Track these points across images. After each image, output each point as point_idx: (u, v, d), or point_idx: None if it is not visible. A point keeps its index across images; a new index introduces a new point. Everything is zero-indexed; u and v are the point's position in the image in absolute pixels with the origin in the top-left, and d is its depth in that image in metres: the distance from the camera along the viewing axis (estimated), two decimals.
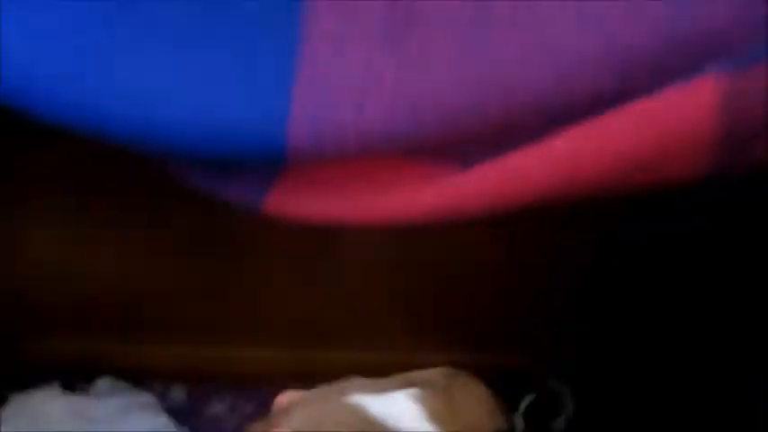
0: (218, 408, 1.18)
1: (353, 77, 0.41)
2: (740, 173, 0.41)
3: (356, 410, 0.47)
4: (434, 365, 0.55)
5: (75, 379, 1.05)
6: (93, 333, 1.01)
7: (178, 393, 1.22)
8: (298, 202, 0.48)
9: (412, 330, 0.88)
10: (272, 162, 0.44)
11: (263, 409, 1.10)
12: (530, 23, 0.40)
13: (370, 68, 0.41)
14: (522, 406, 0.83)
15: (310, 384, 0.57)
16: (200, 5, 0.42)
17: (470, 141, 0.42)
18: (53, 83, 0.41)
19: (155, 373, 1.04)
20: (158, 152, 0.44)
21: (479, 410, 0.50)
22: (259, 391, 1.20)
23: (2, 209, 0.82)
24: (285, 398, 0.52)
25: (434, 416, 0.48)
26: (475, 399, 0.51)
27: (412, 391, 0.49)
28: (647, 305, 0.78)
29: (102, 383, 1.17)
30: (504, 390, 0.60)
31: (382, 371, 0.56)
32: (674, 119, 0.38)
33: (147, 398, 1.13)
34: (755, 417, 0.65)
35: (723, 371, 0.72)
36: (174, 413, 1.08)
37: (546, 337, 0.83)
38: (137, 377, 1.04)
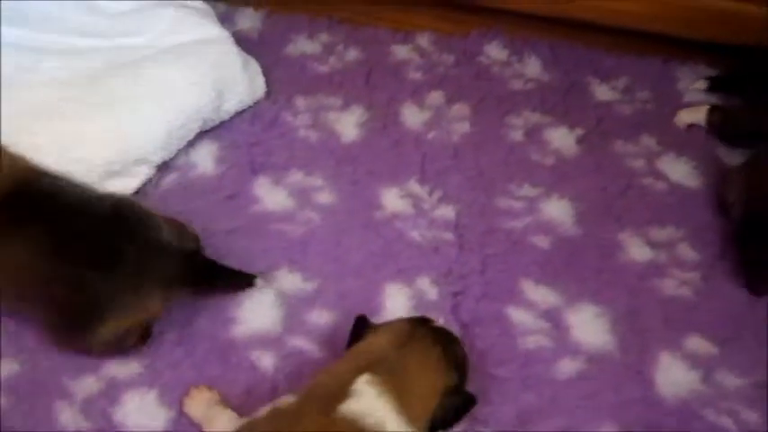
0: (305, 45, 0.88)
1: None
2: None
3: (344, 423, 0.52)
4: None
5: None
6: None
7: (249, 19, 0.90)
8: None
9: None
10: None
11: (368, 55, 0.89)
12: None
13: None
14: None
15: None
16: None
17: None
18: None
19: None
20: None
21: (431, 375, 0.54)
22: (361, 30, 0.89)
23: None
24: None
25: (392, 399, 0.52)
26: (426, 364, 0.54)
27: (367, 378, 0.53)
28: None
29: None
30: None
31: None
32: None
33: (198, 3, 0.83)
34: None
35: None
36: (242, 43, 0.77)
37: None
38: None
